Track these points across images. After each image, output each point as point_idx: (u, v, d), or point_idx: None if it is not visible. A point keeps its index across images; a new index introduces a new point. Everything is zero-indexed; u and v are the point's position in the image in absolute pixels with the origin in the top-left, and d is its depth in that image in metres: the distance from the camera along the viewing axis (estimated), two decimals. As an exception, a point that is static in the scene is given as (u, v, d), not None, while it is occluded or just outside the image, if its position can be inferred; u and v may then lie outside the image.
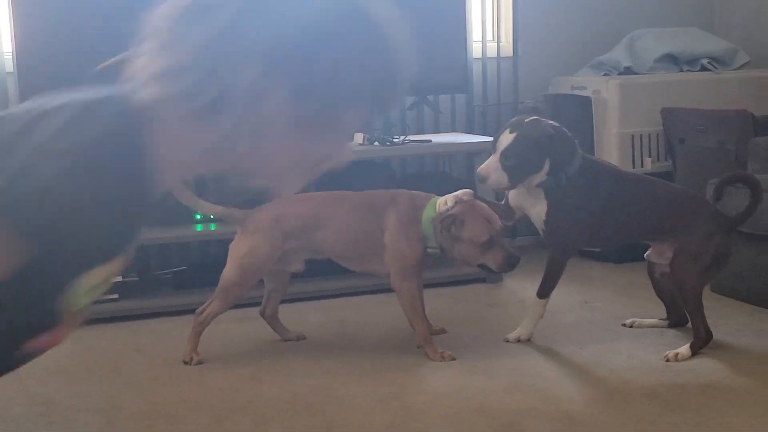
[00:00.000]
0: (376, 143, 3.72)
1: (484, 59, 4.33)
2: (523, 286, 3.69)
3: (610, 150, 4.05)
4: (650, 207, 2.91)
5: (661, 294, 3.12)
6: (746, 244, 3.36)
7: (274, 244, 2.83)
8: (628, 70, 4.19)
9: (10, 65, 3.63)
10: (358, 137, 3.76)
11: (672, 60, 4.27)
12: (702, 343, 2.85)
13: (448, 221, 2.71)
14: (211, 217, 3.36)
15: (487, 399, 2.52)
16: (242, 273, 2.83)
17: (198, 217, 3.61)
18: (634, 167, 4.06)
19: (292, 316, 3.31)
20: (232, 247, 2.89)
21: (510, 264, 2.76)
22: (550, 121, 2.85)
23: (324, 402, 2.52)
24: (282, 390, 2.62)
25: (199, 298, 2.95)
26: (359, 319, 3.25)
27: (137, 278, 3.72)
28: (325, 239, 2.87)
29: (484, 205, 2.79)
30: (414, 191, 2.91)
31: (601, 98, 4.07)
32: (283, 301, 3.41)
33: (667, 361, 2.77)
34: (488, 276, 3.80)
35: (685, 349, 2.84)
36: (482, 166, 2.75)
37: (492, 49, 4.38)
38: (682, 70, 4.26)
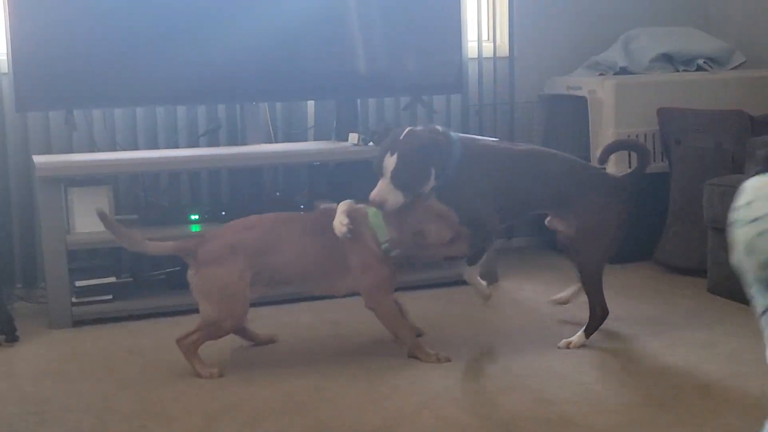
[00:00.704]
0: (371, 144, 3.71)
1: (479, 59, 4.32)
2: (518, 286, 3.69)
3: (606, 150, 4.04)
4: (542, 179, 2.93)
5: (571, 257, 3.12)
6: (742, 244, 3.36)
7: (240, 268, 2.72)
8: (623, 70, 4.19)
9: (5, 66, 3.62)
10: (353, 138, 3.75)
11: (668, 60, 4.26)
12: (597, 323, 2.93)
13: (409, 236, 2.73)
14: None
15: (481, 400, 2.51)
16: (223, 307, 2.72)
17: (192, 217, 3.61)
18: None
19: (284, 317, 3.31)
20: (196, 285, 2.73)
21: (473, 245, 2.81)
22: (419, 127, 2.85)
23: (316, 402, 2.51)
24: (274, 390, 2.61)
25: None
26: (352, 319, 3.24)
27: (131, 279, 3.71)
28: (282, 264, 2.78)
29: (434, 203, 2.79)
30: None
31: (597, 98, 4.06)
32: (276, 302, 3.41)
33: (559, 347, 2.89)
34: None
35: (579, 337, 2.91)
36: (375, 192, 2.74)
37: (487, 49, 4.37)
38: (678, 70, 4.26)
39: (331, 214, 2.79)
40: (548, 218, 3.08)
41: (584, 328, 2.95)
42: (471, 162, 2.85)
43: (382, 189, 2.72)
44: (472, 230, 2.81)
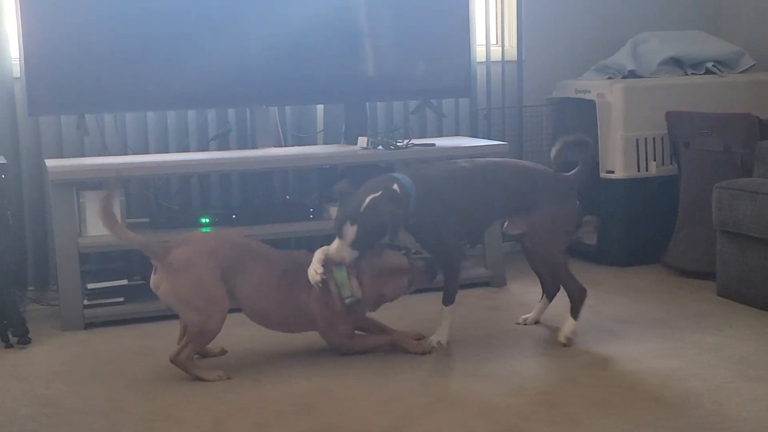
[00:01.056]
0: (380, 147, 3.73)
1: (488, 63, 4.33)
2: (526, 289, 3.70)
3: (615, 154, 4.05)
4: (499, 189, 3.03)
5: (534, 268, 3.24)
6: (753, 248, 3.36)
7: (214, 272, 2.74)
8: (632, 74, 4.19)
9: (17, 71, 3.66)
10: (362, 141, 3.77)
11: (677, 63, 4.26)
12: (579, 301, 3.05)
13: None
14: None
15: (487, 402, 2.52)
16: (203, 310, 2.72)
17: (203, 220, 3.63)
18: (639, 171, 4.06)
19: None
20: (169, 292, 2.72)
21: (433, 272, 2.96)
22: (378, 193, 2.84)
23: (325, 404, 2.53)
24: (283, 392, 2.62)
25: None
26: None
27: (142, 282, 3.73)
28: (244, 287, 2.80)
29: (385, 258, 2.86)
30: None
31: (606, 102, 4.07)
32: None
33: (564, 345, 2.97)
34: (491, 280, 3.82)
35: (568, 324, 3.01)
36: (334, 252, 2.81)
37: (496, 53, 4.38)
38: (686, 74, 4.26)
39: (305, 262, 2.85)
40: (505, 224, 3.16)
41: (570, 311, 3.05)
42: (427, 198, 2.92)
43: (343, 250, 2.82)
44: (441, 263, 2.97)
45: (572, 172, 3.11)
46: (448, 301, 3.03)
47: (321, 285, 2.80)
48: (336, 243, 2.83)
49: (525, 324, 3.26)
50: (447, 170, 3.04)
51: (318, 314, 2.84)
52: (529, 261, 3.20)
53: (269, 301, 2.83)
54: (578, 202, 3.12)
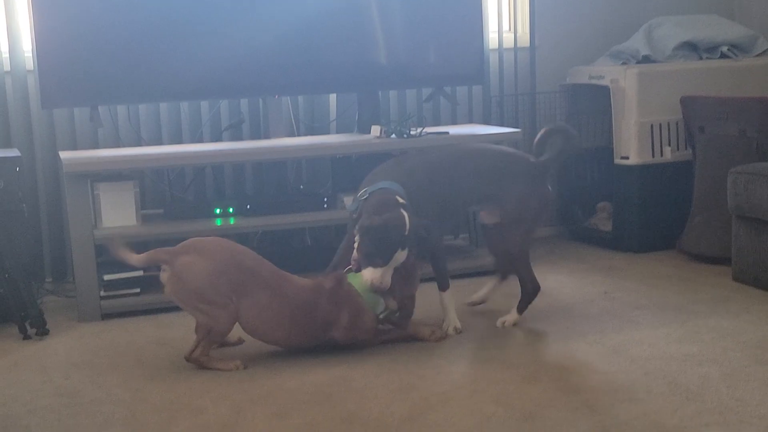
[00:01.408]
0: (393, 136, 3.73)
1: (500, 50, 4.32)
2: (542, 276, 3.68)
3: (629, 139, 4.03)
4: (473, 175, 3.03)
5: (492, 248, 3.25)
6: None
7: (219, 287, 2.70)
8: (646, 59, 4.17)
9: (30, 63, 3.67)
10: (375, 130, 3.76)
11: (691, 48, 4.24)
12: (530, 298, 3.07)
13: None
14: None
15: (505, 389, 2.53)
16: (208, 313, 2.71)
17: (217, 211, 3.64)
18: (653, 156, 4.05)
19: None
20: (173, 295, 2.75)
21: (423, 255, 2.95)
22: (398, 212, 2.81)
23: (342, 393, 2.54)
24: (302, 381, 2.63)
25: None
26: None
27: (157, 272, 3.74)
28: (246, 311, 2.74)
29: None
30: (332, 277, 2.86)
31: (620, 87, 4.05)
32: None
33: (503, 326, 3.04)
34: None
35: (512, 315, 3.04)
36: (377, 281, 2.75)
37: (509, 40, 4.37)
38: (701, 58, 4.23)
39: (320, 291, 2.80)
40: (481, 213, 3.17)
41: (517, 305, 3.08)
42: (409, 193, 2.92)
43: (384, 274, 2.76)
44: (428, 253, 2.98)
45: (544, 157, 3.12)
46: (444, 286, 3.05)
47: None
48: (374, 271, 2.76)
49: (473, 304, 3.27)
50: (424, 161, 3.06)
51: (347, 335, 2.82)
52: (487, 242, 3.24)
53: (272, 328, 2.79)
54: (549, 188, 3.12)
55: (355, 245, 2.83)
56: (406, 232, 2.77)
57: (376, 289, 2.78)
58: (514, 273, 3.18)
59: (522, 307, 3.09)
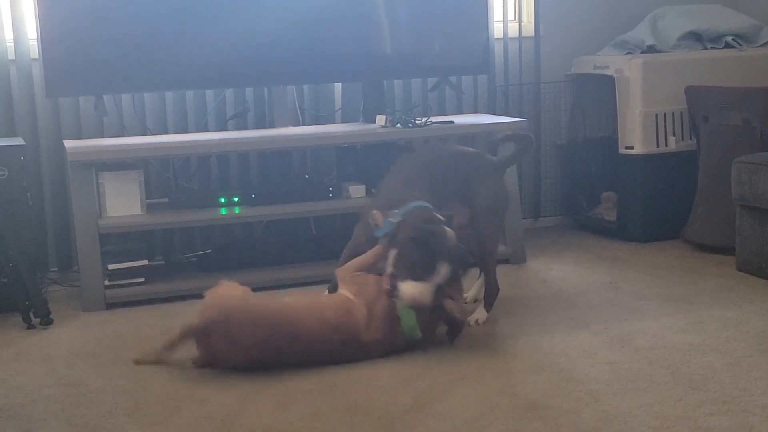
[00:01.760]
0: (398, 125, 3.72)
1: (505, 39, 4.31)
2: (546, 266, 3.70)
3: (634, 129, 4.03)
4: (447, 176, 3.05)
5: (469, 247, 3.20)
6: (772, 222, 3.34)
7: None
8: (651, 49, 4.16)
9: (35, 52, 3.67)
10: (380, 120, 3.76)
11: (696, 37, 4.23)
12: (492, 296, 3.09)
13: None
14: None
15: (510, 379, 2.53)
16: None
17: (222, 200, 3.64)
18: (658, 146, 4.04)
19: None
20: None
21: None
22: (434, 223, 2.78)
23: (347, 383, 2.54)
24: (306, 371, 2.63)
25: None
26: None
27: (162, 262, 3.75)
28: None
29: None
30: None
31: (624, 77, 4.04)
32: (306, 284, 3.45)
33: (477, 325, 3.01)
34: (511, 257, 3.82)
35: (481, 312, 3.05)
36: (420, 297, 2.64)
37: (513, 29, 4.36)
38: (706, 48, 4.22)
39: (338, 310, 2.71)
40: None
41: (483, 303, 3.09)
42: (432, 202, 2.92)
43: (427, 290, 2.65)
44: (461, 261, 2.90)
45: (499, 157, 3.21)
46: (487, 307, 3.12)
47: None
48: (414, 285, 2.66)
49: (465, 303, 3.21)
50: (414, 169, 3.05)
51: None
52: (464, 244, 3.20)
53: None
54: (504, 186, 3.17)
55: (391, 261, 2.72)
56: (448, 246, 2.71)
57: (416, 305, 2.67)
58: (482, 269, 3.16)
59: (488, 306, 3.08)
